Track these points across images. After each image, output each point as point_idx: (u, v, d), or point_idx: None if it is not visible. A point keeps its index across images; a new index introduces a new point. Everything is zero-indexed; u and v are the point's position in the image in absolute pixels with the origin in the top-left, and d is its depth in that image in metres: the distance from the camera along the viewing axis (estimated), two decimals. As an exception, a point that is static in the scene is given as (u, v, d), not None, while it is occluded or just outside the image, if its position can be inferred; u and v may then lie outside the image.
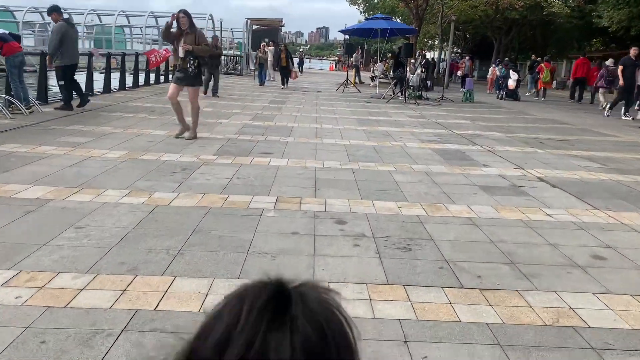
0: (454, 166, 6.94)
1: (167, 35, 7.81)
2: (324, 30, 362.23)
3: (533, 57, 27.46)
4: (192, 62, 7.70)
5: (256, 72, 21.01)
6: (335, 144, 8.34)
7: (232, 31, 42.45)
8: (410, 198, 5.21)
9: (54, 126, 8.42)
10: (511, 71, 21.18)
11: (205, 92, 14.74)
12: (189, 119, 8.16)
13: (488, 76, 21.91)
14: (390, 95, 18.35)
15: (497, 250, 3.86)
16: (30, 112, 9.52)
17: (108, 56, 14.57)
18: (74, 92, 10.50)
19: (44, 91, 11.15)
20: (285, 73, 19.95)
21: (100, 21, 32.86)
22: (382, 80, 27.51)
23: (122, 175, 5.58)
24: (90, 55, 13.40)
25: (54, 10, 9.88)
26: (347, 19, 66.14)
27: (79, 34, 32.46)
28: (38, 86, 11.27)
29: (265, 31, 35.75)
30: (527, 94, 23.71)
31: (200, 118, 10.29)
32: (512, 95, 20.61)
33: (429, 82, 22.72)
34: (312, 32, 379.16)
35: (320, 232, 4.07)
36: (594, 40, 41.43)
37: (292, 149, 7.68)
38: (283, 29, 49.42)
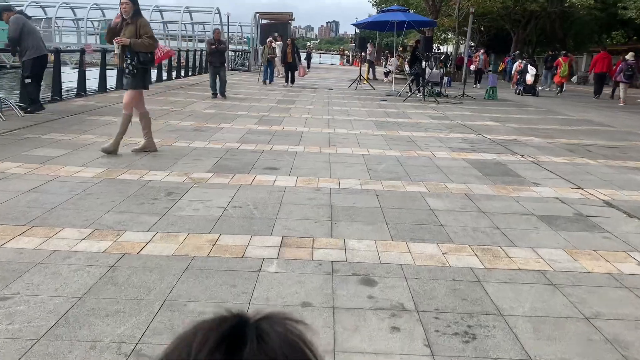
0: (498, 185, 5.74)
1: (112, 34, 6.26)
2: (334, 25, 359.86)
3: (549, 52, 26.21)
4: (128, 59, 6.23)
5: (262, 69, 19.42)
6: (352, 154, 7.17)
7: (240, 26, 41.44)
8: (455, 237, 4.03)
9: (28, 135, 7.32)
10: (529, 66, 20.16)
11: (214, 95, 13.47)
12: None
13: (513, 71, 20.58)
14: (407, 92, 17.12)
15: (598, 335, 2.68)
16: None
17: (103, 52, 13.46)
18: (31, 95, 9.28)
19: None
20: (292, 69, 18.38)
21: (104, 15, 31.82)
22: (397, 76, 26.24)
23: (90, 204, 4.45)
24: (82, 52, 12.29)
25: (4, 10, 8.80)
26: (357, 13, 64.86)
27: (82, 29, 31.54)
28: (20, 87, 10.20)
29: (275, 25, 34.59)
30: (547, 89, 22.64)
31: (201, 122, 9.16)
32: (530, 90, 19.70)
33: (447, 78, 21.41)
34: (322, 26, 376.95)
35: (341, 303, 2.91)
36: (615, 33, 39.95)
37: (301, 161, 6.52)
38: (293, 24, 48.27)
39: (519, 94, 19.60)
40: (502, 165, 6.85)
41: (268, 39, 18.78)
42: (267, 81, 18.88)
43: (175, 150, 6.86)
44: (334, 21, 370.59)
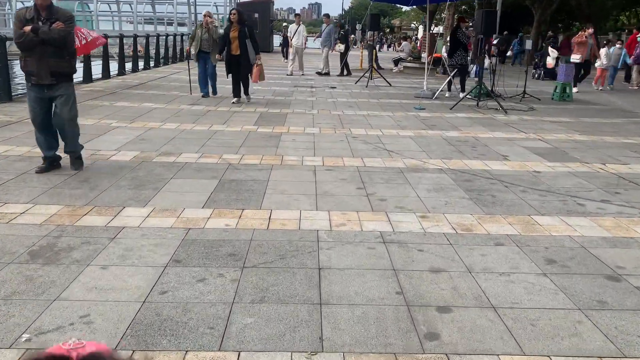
0: None
1: None
2: (316, 7, 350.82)
3: (550, 33, 21.51)
4: None
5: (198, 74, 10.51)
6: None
7: (216, 5, 35.98)
8: None
9: None
10: (550, 48, 16.90)
11: (46, 164, 4.92)
12: None
13: (597, 65, 14.53)
14: (444, 92, 11.90)
15: None
16: None
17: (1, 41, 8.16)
18: None
19: None
20: (243, 70, 9.52)
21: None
22: (408, 64, 20.89)
23: None
24: None
25: None
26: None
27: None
28: None
29: (254, 4, 29.08)
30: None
31: (71, 213, 3.27)
32: (551, 74, 16.35)
33: (474, 66, 15.95)
34: (303, 8, 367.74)
35: None
36: (635, 9, 35.70)
37: None
38: (274, 5, 42.38)
39: (538, 78, 17.53)
40: None
41: (205, 15, 10.44)
42: (212, 93, 10.59)
43: None
44: (316, 3, 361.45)
